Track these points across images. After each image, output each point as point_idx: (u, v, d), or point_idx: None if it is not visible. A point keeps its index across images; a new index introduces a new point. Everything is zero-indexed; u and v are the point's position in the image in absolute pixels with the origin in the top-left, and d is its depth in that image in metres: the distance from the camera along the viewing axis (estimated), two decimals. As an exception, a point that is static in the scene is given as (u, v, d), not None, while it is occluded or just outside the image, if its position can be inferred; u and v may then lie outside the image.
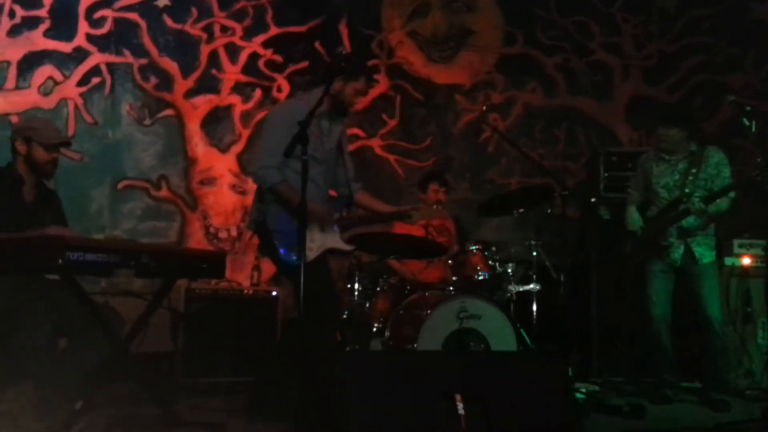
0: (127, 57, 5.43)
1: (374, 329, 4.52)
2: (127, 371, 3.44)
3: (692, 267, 4.40)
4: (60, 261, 2.85)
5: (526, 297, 4.68)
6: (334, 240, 3.70)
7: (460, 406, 2.77)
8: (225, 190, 5.63)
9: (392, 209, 4.04)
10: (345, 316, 4.72)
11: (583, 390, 4.38)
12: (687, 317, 4.57)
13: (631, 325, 5.19)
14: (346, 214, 3.83)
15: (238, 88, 5.70)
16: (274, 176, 3.55)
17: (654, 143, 4.67)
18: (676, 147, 4.46)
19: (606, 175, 5.56)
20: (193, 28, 5.60)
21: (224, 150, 5.66)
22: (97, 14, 5.36)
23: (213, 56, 5.65)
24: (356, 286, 4.67)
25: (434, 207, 4.40)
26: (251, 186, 5.65)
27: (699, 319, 4.41)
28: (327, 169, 3.77)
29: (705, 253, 4.40)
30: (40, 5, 5.23)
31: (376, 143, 5.99)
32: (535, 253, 4.70)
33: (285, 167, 3.51)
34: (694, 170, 4.39)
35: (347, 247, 3.76)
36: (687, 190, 4.36)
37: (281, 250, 3.52)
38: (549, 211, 5.14)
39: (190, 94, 5.58)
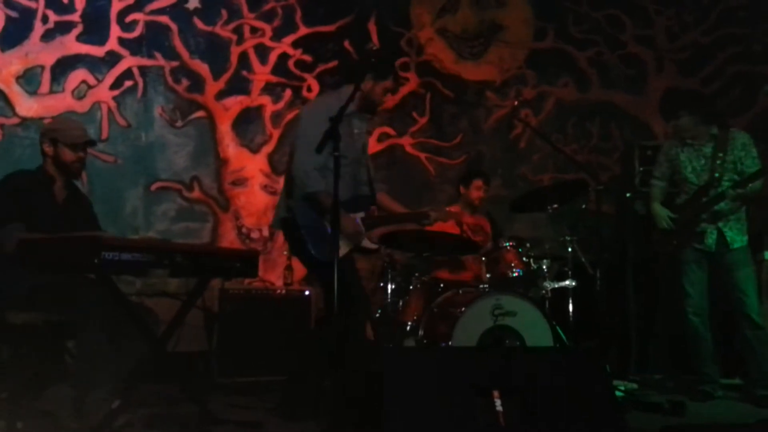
0: (159, 60, 5.47)
1: (408, 328, 4.49)
2: (163, 371, 3.46)
3: (725, 255, 4.30)
4: (96, 261, 2.87)
5: (562, 294, 4.62)
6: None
7: (497, 402, 2.73)
8: (256, 191, 5.65)
9: (408, 211, 4.05)
10: (378, 315, 4.71)
11: (622, 387, 4.30)
12: (724, 311, 4.47)
13: (668, 320, 5.10)
14: (368, 214, 3.82)
15: (268, 88, 5.72)
16: (318, 183, 3.53)
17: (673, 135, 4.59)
18: (694, 133, 4.38)
19: (641, 169, 5.47)
20: (223, 30, 5.63)
21: (255, 150, 5.67)
22: (129, 18, 5.41)
23: (243, 57, 5.67)
24: (389, 285, 4.64)
25: (449, 210, 4.35)
26: (282, 186, 5.67)
27: (734, 310, 4.30)
28: (354, 168, 3.76)
29: (736, 238, 4.30)
30: (73, 10, 5.29)
31: (406, 141, 5.97)
32: (570, 249, 4.63)
33: (325, 168, 3.49)
34: (721, 154, 4.31)
35: (373, 246, 3.78)
36: (716, 175, 4.29)
37: (311, 247, 3.51)
38: (583, 206, 5.07)
39: (221, 95, 5.61)
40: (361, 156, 3.82)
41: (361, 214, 3.75)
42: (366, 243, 3.74)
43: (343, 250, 3.58)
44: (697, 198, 4.36)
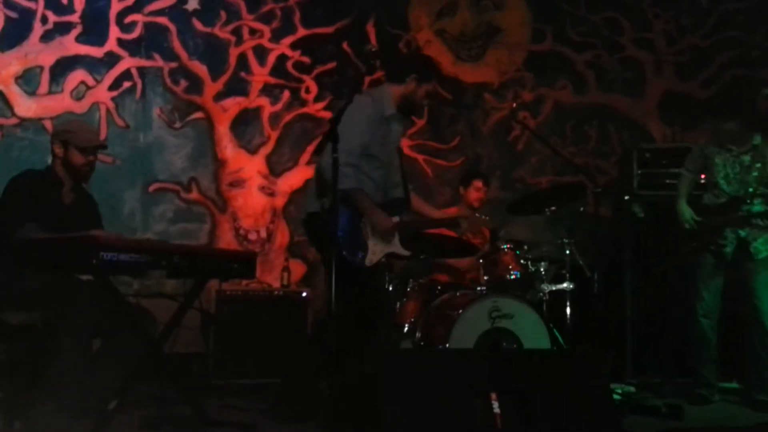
0: (158, 61, 5.47)
1: (405, 330, 4.49)
2: (159, 372, 3.46)
3: (746, 262, 4.27)
4: (94, 261, 2.87)
5: (559, 296, 4.61)
6: (393, 245, 3.69)
7: (495, 404, 2.73)
8: (254, 192, 5.65)
9: (442, 215, 4.06)
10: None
11: (619, 390, 4.30)
12: (727, 315, 4.46)
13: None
14: (403, 218, 3.80)
15: (266, 90, 5.72)
16: (352, 180, 3.51)
17: (690, 139, 4.56)
18: (737, 139, 4.32)
19: (639, 172, 5.46)
20: (221, 31, 5.63)
21: (253, 152, 5.67)
22: (128, 19, 5.42)
23: (242, 59, 5.67)
24: (387, 286, 4.62)
25: (482, 217, 4.39)
26: (280, 188, 5.69)
27: (746, 315, 4.29)
28: (388, 171, 3.76)
29: (761, 249, 4.25)
30: (72, 11, 5.30)
31: (404, 143, 5.92)
32: (567, 252, 4.63)
33: (358, 167, 3.50)
34: (758, 165, 4.23)
35: (406, 252, 3.75)
36: (750, 189, 4.22)
37: (344, 251, 3.48)
38: (581, 209, 5.07)
39: (219, 96, 5.60)
40: (394, 159, 3.80)
41: (396, 218, 3.72)
42: (399, 249, 3.71)
43: (377, 255, 3.58)
44: (726, 209, 4.29)
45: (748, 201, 4.22)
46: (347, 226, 3.50)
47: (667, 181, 5.20)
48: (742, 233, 4.24)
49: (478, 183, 5.14)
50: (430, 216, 4.01)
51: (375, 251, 3.55)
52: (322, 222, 3.55)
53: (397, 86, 3.73)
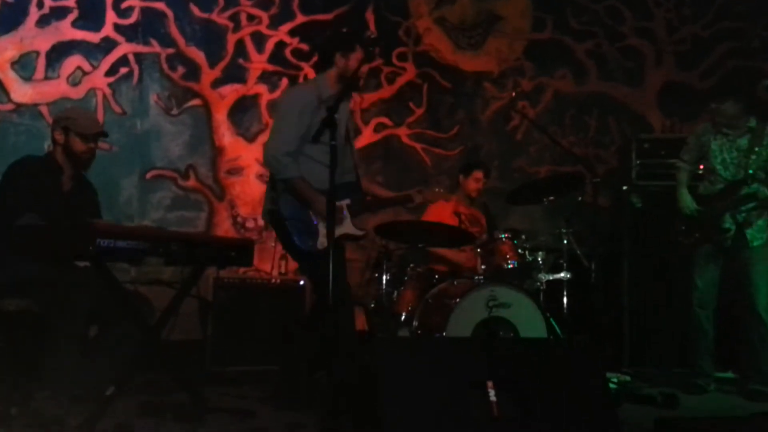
0: (155, 47, 5.44)
1: (402, 318, 4.50)
2: (156, 359, 3.45)
3: (743, 250, 4.26)
4: (91, 248, 2.86)
5: (557, 286, 4.62)
6: (346, 226, 3.68)
7: (491, 393, 2.73)
8: (252, 180, 5.63)
9: (394, 195, 4.06)
10: (372, 306, 4.71)
11: (615, 380, 4.31)
12: (725, 304, 4.46)
13: (666, 313, 5.11)
14: (354, 200, 3.79)
15: (264, 77, 5.69)
16: (291, 169, 3.51)
17: (687, 129, 4.55)
18: (734, 121, 4.31)
19: (638, 162, 5.45)
20: (219, 17, 5.60)
21: (251, 139, 5.65)
22: (125, 4, 5.38)
23: (239, 45, 5.64)
24: (384, 275, 4.63)
25: (437, 190, 4.38)
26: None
27: (745, 307, 4.29)
28: (339, 154, 3.73)
29: (756, 236, 4.25)
30: (68, -5, 5.26)
31: (403, 132, 5.95)
32: (565, 242, 4.63)
33: (299, 154, 3.49)
34: (757, 149, 4.22)
35: (359, 232, 3.75)
36: (750, 171, 4.20)
37: (296, 238, 3.50)
38: (580, 199, 5.06)
39: (217, 83, 5.57)
40: (344, 142, 3.79)
41: (347, 201, 3.72)
42: (352, 230, 3.71)
43: (331, 239, 3.57)
44: (725, 194, 4.28)
45: (749, 182, 4.21)
46: (296, 214, 3.51)
47: (666, 171, 5.19)
48: (740, 218, 4.24)
49: (478, 174, 5.11)
50: (383, 196, 4.01)
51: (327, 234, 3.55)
52: (271, 214, 3.58)
53: (328, 72, 3.71)
